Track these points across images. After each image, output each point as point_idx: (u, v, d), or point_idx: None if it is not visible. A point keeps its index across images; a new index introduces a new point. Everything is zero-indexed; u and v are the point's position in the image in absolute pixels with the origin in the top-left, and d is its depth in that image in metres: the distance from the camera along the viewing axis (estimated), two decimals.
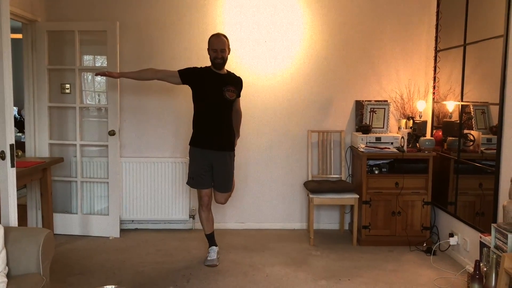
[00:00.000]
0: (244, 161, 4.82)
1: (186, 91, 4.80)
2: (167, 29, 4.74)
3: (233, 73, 3.99)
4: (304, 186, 4.71)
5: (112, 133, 4.47)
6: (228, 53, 3.84)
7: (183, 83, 3.86)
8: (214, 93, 3.80)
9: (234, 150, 3.99)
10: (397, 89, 4.81)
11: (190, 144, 3.92)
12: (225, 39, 3.81)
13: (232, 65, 4.74)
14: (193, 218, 4.86)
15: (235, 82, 3.94)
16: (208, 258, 3.91)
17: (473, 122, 3.92)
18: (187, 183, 4.01)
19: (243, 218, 4.93)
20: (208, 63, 3.87)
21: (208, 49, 3.82)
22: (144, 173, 4.75)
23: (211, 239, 4.04)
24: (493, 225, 3.07)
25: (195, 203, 4.86)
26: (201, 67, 3.89)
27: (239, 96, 3.99)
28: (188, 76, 3.83)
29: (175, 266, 3.88)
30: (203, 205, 3.94)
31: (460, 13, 4.05)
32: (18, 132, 6.63)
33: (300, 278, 3.66)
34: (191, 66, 3.94)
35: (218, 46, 3.76)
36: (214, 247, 4.00)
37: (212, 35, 3.85)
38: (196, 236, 4.64)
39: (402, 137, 4.44)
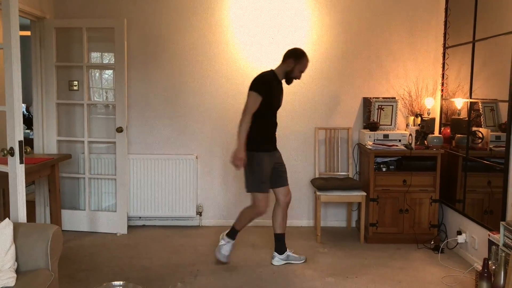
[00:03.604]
0: None
1: (193, 89, 4.82)
2: (174, 26, 4.73)
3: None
4: (311, 183, 4.70)
5: (119, 130, 4.49)
6: None
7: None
8: (278, 100, 3.79)
9: None
10: (405, 86, 4.78)
11: (255, 150, 3.64)
12: None
13: (240, 62, 4.75)
14: (200, 214, 4.87)
15: None
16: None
17: (481, 120, 3.89)
18: (257, 190, 3.68)
19: None
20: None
21: (295, 67, 3.67)
22: (152, 170, 4.77)
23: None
24: (502, 223, 3.05)
25: (202, 200, 4.88)
26: (269, 76, 3.71)
27: None
28: (265, 93, 3.62)
29: (183, 262, 3.89)
30: (261, 211, 3.75)
31: (469, 9, 4.02)
32: (27, 129, 6.67)
33: (307, 275, 3.66)
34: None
35: (306, 69, 3.74)
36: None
37: (305, 55, 3.70)
38: (203, 232, 4.66)
39: (410, 134, 4.42)
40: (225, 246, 3.85)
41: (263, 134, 3.71)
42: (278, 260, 3.87)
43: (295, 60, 3.67)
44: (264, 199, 3.69)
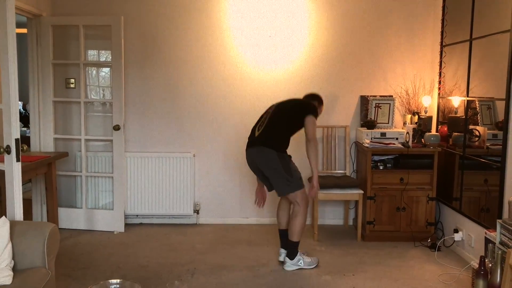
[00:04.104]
0: None
1: (191, 88, 4.82)
2: (171, 24, 4.72)
3: None
4: (309, 181, 4.70)
5: (116, 128, 4.48)
6: None
7: None
8: None
9: None
10: (402, 84, 4.79)
11: (283, 151, 3.84)
12: None
13: (237, 63, 4.74)
14: (197, 213, 4.87)
15: None
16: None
17: (478, 118, 3.90)
18: (299, 187, 3.77)
19: (247, 213, 4.93)
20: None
21: (322, 106, 4.06)
22: (149, 168, 4.76)
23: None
24: (499, 221, 3.06)
25: (200, 198, 4.88)
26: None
27: None
28: None
29: (180, 260, 3.89)
30: (307, 205, 3.82)
31: (466, 7, 4.02)
32: (23, 127, 6.65)
33: (305, 273, 3.66)
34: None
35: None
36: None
37: (323, 103, 4.11)
38: (200, 230, 4.66)
39: (407, 133, 4.43)
40: (303, 262, 3.77)
41: (287, 142, 3.87)
42: (289, 265, 3.77)
43: (318, 103, 4.01)
44: (305, 192, 3.83)
